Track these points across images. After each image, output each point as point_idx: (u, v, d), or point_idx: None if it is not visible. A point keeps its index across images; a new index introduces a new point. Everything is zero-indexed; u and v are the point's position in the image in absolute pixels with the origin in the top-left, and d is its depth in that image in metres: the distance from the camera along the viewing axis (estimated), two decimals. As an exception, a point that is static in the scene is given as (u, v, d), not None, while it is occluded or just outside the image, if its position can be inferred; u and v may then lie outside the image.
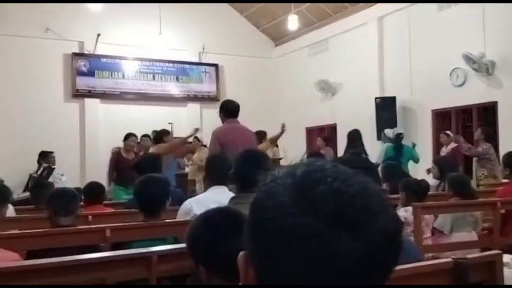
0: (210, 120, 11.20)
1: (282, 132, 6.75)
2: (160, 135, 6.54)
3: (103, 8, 9.50)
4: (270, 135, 10.02)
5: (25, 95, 9.50)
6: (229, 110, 4.56)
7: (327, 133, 10.62)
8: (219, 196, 2.71)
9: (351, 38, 10.00)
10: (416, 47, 8.73)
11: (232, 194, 2.82)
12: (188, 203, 2.85)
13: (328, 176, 0.58)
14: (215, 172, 2.92)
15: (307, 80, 10.71)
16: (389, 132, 7.46)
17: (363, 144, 7.10)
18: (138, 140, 7.01)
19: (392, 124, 8.64)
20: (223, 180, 2.86)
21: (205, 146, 8.09)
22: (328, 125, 10.52)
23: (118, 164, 6.42)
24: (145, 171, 3.56)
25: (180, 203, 3.04)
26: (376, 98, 8.97)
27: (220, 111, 4.63)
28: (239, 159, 2.31)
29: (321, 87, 10.43)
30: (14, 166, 8.50)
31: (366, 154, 6.76)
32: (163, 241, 2.59)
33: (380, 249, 0.56)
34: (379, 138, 8.66)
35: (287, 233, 0.55)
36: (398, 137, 7.13)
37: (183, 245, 2.10)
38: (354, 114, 9.44)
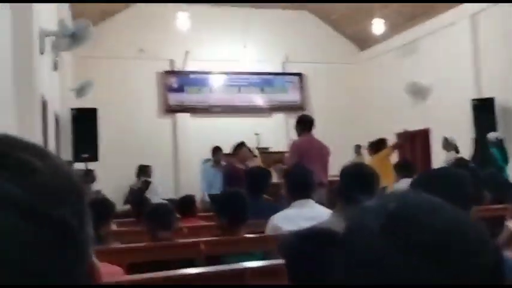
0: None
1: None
2: (379, 145, 6.60)
3: (190, 26, 9.94)
4: (358, 141, 9.84)
5: (123, 112, 10.18)
6: (306, 123, 4.72)
7: (420, 139, 10.17)
8: (307, 210, 2.68)
9: (441, 38, 9.52)
10: (515, 43, 8.09)
11: (319, 207, 2.79)
12: (276, 220, 2.79)
13: (422, 213, 0.56)
14: (298, 184, 2.86)
15: (396, 84, 10.36)
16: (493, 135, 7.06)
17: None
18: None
19: (492, 127, 8.07)
20: (307, 193, 2.81)
21: (256, 156, 8.04)
22: (420, 130, 10.06)
23: (234, 175, 6.42)
24: (255, 183, 3.64)
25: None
26: (472, 100, 8.43)
27: (297, 125, 4.79)
28: (345, 173, 2.27)
29: (411, 90, 10.03)
30: (114, 179, 9.12)
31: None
32: (253, 256, 2.63)
33: (474, 284, 0.54)
34: (478, 141, 8.12)
35: (373, 267, 0.55)
36: (501, 141, 6.71)
37: (276, 261, 2.11)
38: (448, 117, 8.94)
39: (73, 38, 4.44)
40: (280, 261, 2.13)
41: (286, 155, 4.92)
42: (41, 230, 0.47)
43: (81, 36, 4.48)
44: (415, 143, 10.18)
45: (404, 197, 0.59)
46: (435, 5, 9.45)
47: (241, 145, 6.66)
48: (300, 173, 2.95)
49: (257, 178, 3.82)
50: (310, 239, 1.39)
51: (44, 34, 4.55)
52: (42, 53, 4.47)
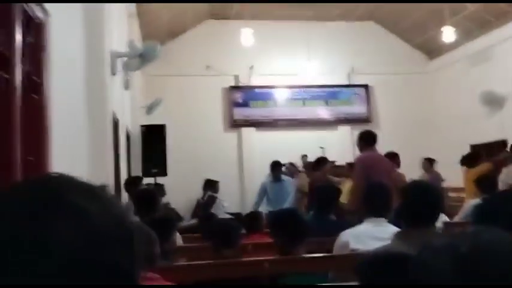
0: (362, 142, 11.03)
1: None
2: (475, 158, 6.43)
3: (254, 42, 10.07)
4: (428, 155, 9.44)
5: (191, 127, 10.46)
6: (369, 139, 4.67)
7: (497, 150, 9.53)
8: (377, 229, 2.58)
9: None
10: None
11: (391, 227, 2.67)
12: (344, 236, 2.74)
13: (496, 257, 0.49)
14: (374, 202, 2.76)
15: (469, 93, 9.84)
16: None
17: None
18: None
19: None
20: (381, 212, 2.71)
21: (300, 171, 7.89)
22: (496, 140, 9.45)
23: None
24: (322, 200, 3.60)
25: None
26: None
27: (359, 141, 4.74)
28: (407, 191, 2.14)
29: (486, 99, 9.46)
30: (182, 193, 9.34)
31: None
32: (314, 277, 2.55)
33: None
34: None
35: None
36: None
37: (344, 284, 2.02)
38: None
39: (142, 58, 4.64)
40: (350, 283, 2.04)
41: (354, 170, 4.78)
42: (90, 273, 0.47)
43: (150, 56, 4.66)
44: (492, 155, 9.55)
45: (477, 239, 0.53)
46: (509, 11, 8.90)
47: (325, 160, 6.56)
48: (375, 191, 2.87)
49: (325, 195, 3.74)
50: (388, 263, 1.32)
51: (115, 56, 4.78)
52: (114, 74, 4.69)
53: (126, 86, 6.03)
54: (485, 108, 9.59)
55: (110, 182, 4.02)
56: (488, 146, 9.61)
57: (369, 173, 4.21)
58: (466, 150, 10.22)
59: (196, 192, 9.40)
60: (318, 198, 3.76)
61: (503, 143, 9.35)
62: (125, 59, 5.20)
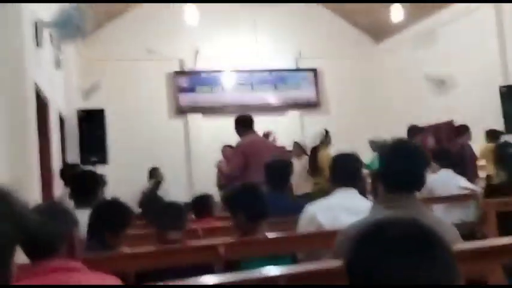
0: (311, 126, 10.85)
1: None
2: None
3: (199, 23, 9.58)
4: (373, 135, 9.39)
5: (133, 113, 9.87)
6: (247, 123, 4.75)
7: (444, 131, 9.65)
8: (347, 201, 2.28)
9: (464, 25, 9.01)
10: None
11: (364, 200, 2.38)
12: (311, 209, 2.44)
13: None
14: (342, 172, 2.46)
15: (416, 75, 9.88)
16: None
17: None
18: None
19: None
20: (351, 182, 2.42)
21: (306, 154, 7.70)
22: (443, 121, 9.56)
23: None
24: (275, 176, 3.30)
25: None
26: (500, 87, 7.92)
27: (237, 126, 4.78)
28: (389, 152, 1.81)
29: (433, 81, 9.54)
30: (125, 183, 8.76)
31: None
32: (280, 260, 2.22)
33: None
34: (508, 131, 7.64)
35: None
36: None
37: (313, 266, 1.69)
38: (474, 107, 8.45)
39: (71, 26, 4.08)
40: (317, 265, 1.73)
41: (234, 153, 4.80)
42: None
43: (79, 22, 4.11)
44: (440, 135, 9.67)
45: None
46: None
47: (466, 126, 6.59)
48: (343, 161, 2.54)
49: (278, 171, 3.42)
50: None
51: (41, 25, 4.21)
52: (39, 46, 4.12)
53: (58, 64, 5.43)
54: (432, 90, 9.67)
55: (35, 168, 3.48)
56: (437, 126, 9.70)
57: (251, 156, 4.27)
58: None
59: (140, 181, 8.87)
60: (270, 174, 3.41)
61: (449, 124, 9.49)
62: (53, 31, 4.61)
